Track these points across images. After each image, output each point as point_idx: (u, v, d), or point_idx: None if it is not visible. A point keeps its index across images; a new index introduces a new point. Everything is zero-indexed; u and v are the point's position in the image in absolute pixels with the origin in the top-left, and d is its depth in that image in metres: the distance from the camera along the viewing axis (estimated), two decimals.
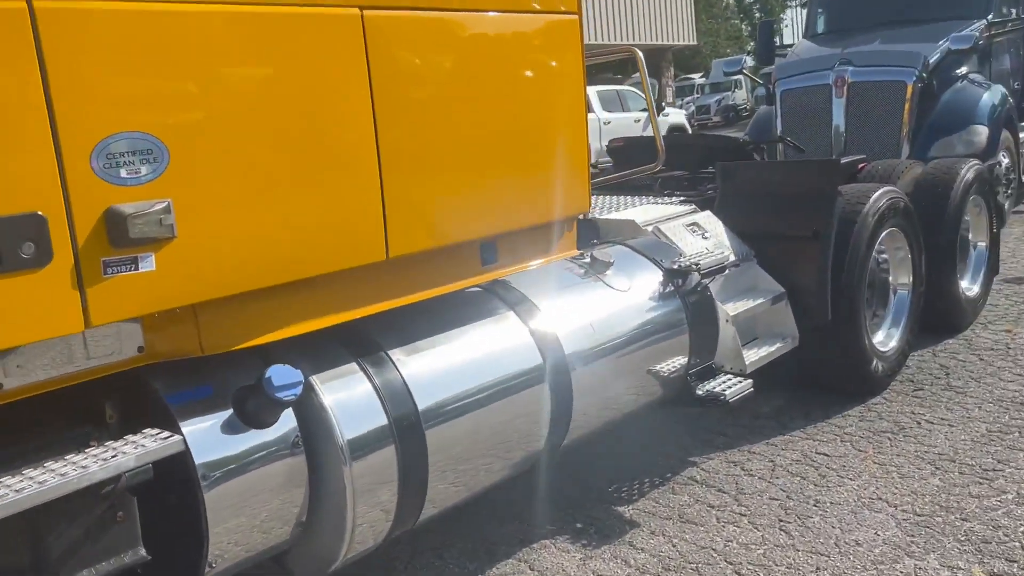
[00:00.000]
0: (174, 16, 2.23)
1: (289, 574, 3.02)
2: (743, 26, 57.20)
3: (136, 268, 2.20)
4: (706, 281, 4.07)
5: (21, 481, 2.10)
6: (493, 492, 3.42)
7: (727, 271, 4.28)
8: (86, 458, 2.20)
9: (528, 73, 3.19)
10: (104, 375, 2.37)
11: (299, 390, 2.54)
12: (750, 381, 4.03)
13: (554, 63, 3.27)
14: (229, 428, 2.57)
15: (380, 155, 2.69)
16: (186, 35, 2.25)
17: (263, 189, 2.43)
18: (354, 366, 2.87)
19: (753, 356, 4.27)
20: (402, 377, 2.92)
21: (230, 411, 2.58)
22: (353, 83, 2.62)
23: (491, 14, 3.05)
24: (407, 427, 2.87)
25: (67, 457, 2.23)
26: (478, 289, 3.44)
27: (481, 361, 3.21)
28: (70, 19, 2.05)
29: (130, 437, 2.33)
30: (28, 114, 1.99)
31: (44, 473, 2.13)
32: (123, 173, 2.14)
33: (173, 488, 2.48)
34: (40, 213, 2.01)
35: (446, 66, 2.90)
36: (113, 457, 2.20)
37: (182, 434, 2.39)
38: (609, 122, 17.81)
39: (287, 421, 2.66)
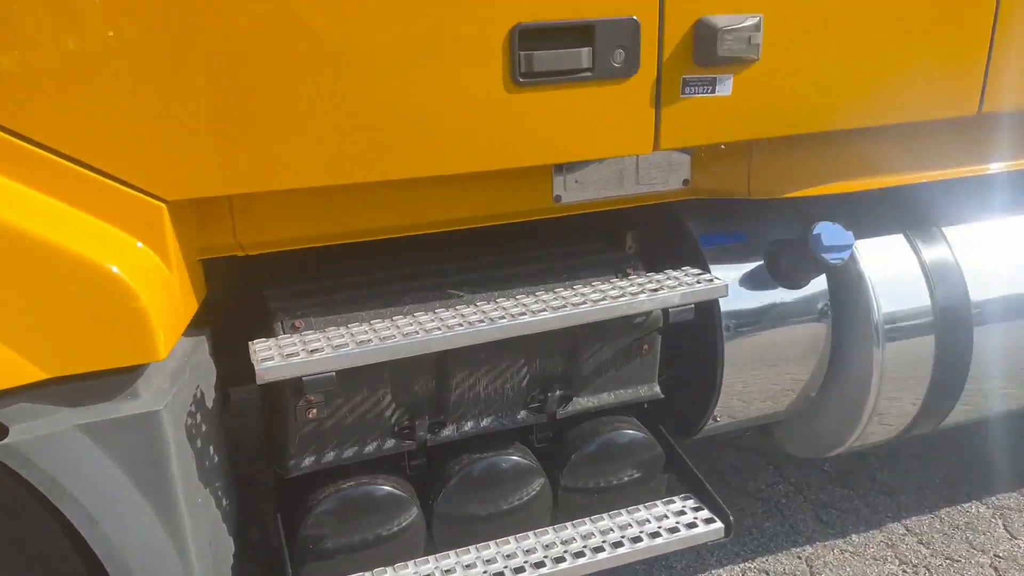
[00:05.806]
0: None
1: (777, 447, 2.84)
2: None
3: (712, 91, 1.99)
4: None
5: (575, 297, 2.06)
6: None
7: None
8: (630, 286, 2.12)
9: None
10: (640, 204, 2.26)
11: (848, 254, 2.24)
12: None
13: None
14: (757, 282, 2.37)
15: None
16: None
17: (859, 18, 2.07)
18: (902, 238, 2.49)
19: None
20: (956, 261, 2.49)
21: (761, 263, 2.37)
22: None
23: None
24: (954, 319, 2.46)
25: (612, 281, 2.18)
26: None
27: None
28: None
29: (671, 272, 2.21)
30: None
31: (594, 293, 2.08)
32: None
33: (689, 333, 2.35)
34: (635, 18, 1.86)
35: None
36: (657, 291, 2.09)
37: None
38: None
39: (817, 285, 2.40)
